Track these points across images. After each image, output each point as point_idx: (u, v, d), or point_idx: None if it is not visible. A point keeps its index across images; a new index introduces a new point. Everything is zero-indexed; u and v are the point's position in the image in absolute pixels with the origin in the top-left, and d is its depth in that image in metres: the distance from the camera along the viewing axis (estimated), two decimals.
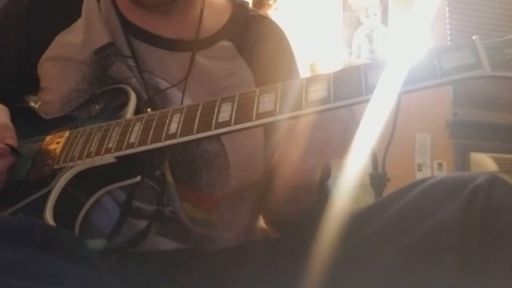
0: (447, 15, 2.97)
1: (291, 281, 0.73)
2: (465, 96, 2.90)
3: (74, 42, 0.85)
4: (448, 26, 2.95)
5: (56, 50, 0.86)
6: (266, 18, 0.98)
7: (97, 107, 0.80)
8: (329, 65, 2.30)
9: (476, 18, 3.01)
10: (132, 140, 0.67)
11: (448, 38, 2.94)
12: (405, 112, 2.17)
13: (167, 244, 0.80)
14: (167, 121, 0.65)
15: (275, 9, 2.41)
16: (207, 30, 0.89)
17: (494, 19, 3.03)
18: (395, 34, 2.75)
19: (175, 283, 0.77)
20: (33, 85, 0.91)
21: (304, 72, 2.25)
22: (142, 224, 0.78)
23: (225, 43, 0.89)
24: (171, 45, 0.86)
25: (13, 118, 0.83)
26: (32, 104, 0.94)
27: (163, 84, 0.84)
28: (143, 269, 0.77)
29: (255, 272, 0.77)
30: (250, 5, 2.54)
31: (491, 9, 3.03)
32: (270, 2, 2.39)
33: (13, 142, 0.77)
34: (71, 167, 0.72)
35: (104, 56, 0.83)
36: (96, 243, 0.73)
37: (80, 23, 0.86)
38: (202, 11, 0.90)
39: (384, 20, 2.80)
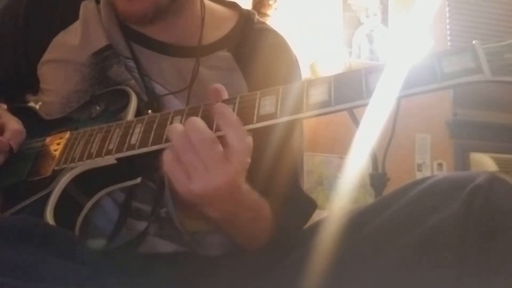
0: (447, 15, 2.96)
1: (291, 282, 0.73)
2: (465, 96, 2.90)
3: (72, 44, 0.85)
4: (448, 27, 2.95)
5: (54, 52, 0.86)
6: (270, 32, 0.95)
7: (98, 108, 0.80)
8: (329, 65, 2.30)
9: (476, 19, 3.01)
10: (133, 141, 0.67)
11: (448, 38, 2.94)
12: (405, 112, 2.18)
13: (166, 247, 0.80)
14: (168, 123, 0.65)
15: (275, 9, 2.41)
16: (207, 38, 0.88)
17: (494, 20, 3.03)
18: (395, 34, 2.75)
19: (173, 286, 0.77)
20: (33, 87, 0.91)
21: (304, 72, 2.26)
22: (141, 225, 0.78)
23: (224, 53, 0.88)
24: (169, 50, 0.85)
25: None
26: (33, 104, 0.95)
27: (158, 89, 0.83)
28: (142, 271, 0.77)
29: (254, 275, 0.78)
30: (250, 5, 2.53)
31: (491, 10, 3.02)
32: (270, 2, 2.39)
33: (16, 148, 0.79)
34: (72, 168, 0.72)
35: (102, 59, 0.83)
36: (97, 244, 0.73)
37: (77, 26, 0.86)
38: (203, 18, 0.88)
39: (384, 20, 2.80)
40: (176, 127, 0.62)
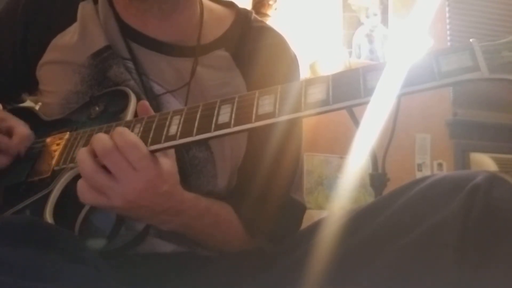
0: (447, 15, 2.97)
1: (291, 282, 0.73)
2: (465, 96, 2.90)
3: (70, 46, 0.85)
4: (448, 27, 2.95)
5: (53, 54, 0.86)
6: (269, 31, 0.94)
7: (97, 109, 0.80)
8: (329, 65, 2.30)
9: (476, 19, 3.01)
10: None
11: (448, 38, 2.94)
12: (405, 112, 2.18)
13: (165, 247, 0.81)
14: (167, 123, 0.65)
15: (275, 9, 2.41)
16: (205, 37, 0.88)
17: (494, 20, 3.03)
18: (395, 35, 2.75)
19: (172, 286, 0.77)
20: (31, 87, 0.91)
21: (304, 72, 2.26)
22: (140, 225, 0.78)
23: (222, 53, 0.87)
24: (168, 49, 0.85)
25: None
26: (33, 105, 0.95)
27: (157, 89, 0.83)
28: (141, 271, 0.77)
29: (254, 275, 0.78)
30: (250, 5, 2.53)
31: (491, 10, 3.03)
32: (270, 2, 2.39)
33: (24, 152, 0.80)
34: (71, 168, 0.72)
35: (101, 60, 0.83)
36: (96, 243, 0.73)
37: (75, 27, 0.86)
38: (202, 16, 0.88)
39: (384, 20, 2.80)
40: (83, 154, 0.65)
